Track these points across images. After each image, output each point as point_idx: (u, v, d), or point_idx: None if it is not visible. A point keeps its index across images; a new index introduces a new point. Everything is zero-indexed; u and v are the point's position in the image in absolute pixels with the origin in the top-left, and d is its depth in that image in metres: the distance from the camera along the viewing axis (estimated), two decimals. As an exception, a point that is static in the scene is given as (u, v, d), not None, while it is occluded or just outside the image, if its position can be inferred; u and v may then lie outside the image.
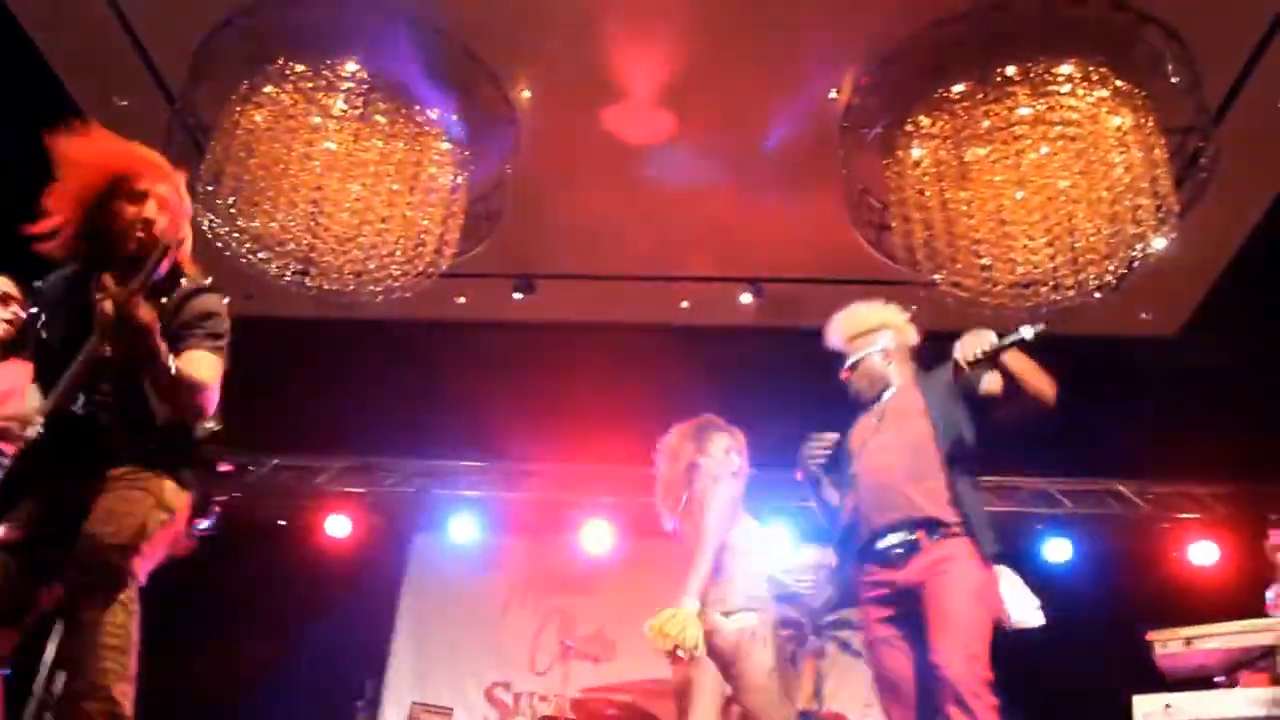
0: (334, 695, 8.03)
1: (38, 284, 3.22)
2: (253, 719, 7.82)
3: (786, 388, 8.13)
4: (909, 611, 3.62)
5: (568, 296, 8.14)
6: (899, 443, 3.83)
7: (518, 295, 8.07)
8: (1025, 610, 3.77)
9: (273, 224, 5.86)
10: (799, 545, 9.11)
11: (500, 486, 9.51)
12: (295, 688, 7.78)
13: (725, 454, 4.68)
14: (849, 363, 4.19)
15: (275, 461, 8.75)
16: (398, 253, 6.00)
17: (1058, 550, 8.68)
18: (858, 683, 8.97)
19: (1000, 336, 3.69)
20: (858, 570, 3.84)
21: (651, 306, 8.16)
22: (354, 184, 5.93)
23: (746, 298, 7.84)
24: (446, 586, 9.77)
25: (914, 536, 3.65)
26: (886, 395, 4.05)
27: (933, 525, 3.63)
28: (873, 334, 4.22)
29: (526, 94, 6.33)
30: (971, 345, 3.75)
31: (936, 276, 5.66)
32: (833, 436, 4.15)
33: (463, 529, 9.52)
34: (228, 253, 5.84)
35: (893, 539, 3.70)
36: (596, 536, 9.31)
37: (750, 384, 8.07)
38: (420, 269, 6.11)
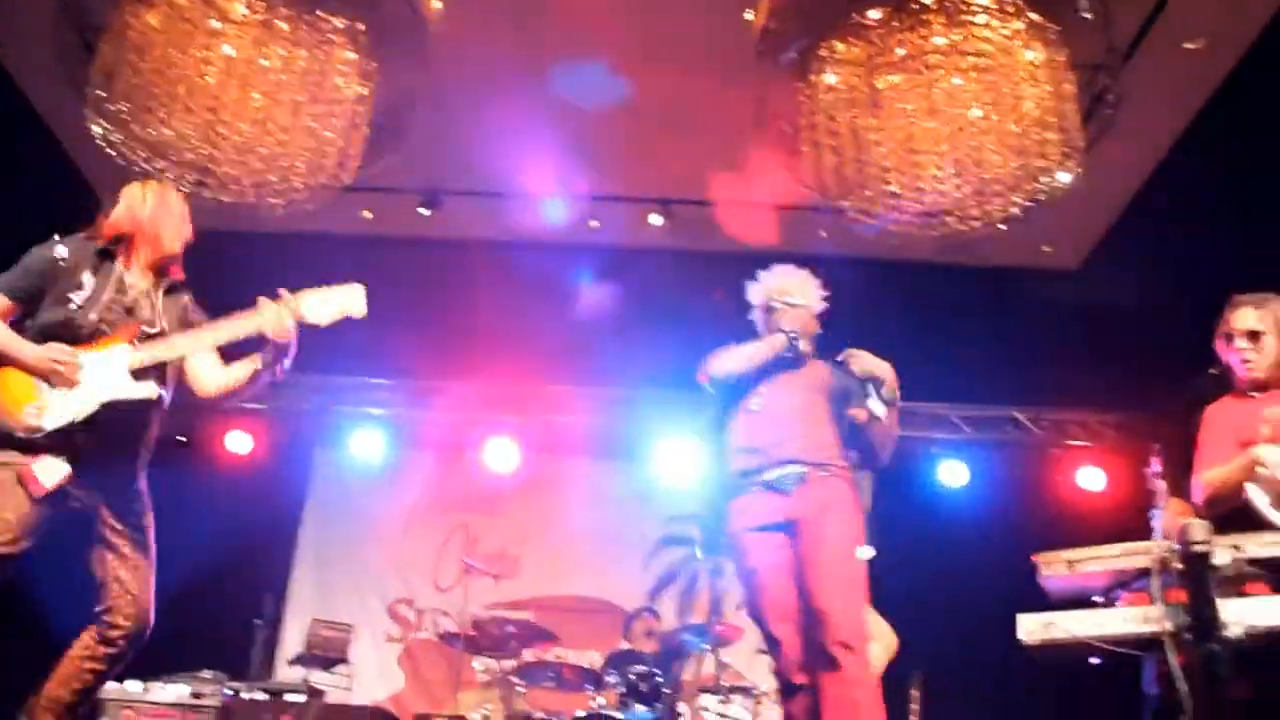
0: (236, 612, 7.97)
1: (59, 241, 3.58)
2: (152, 635, 7.74)
3: (693, 310, 8.15)
4: (790, 541, 3.74)
5: (476, 213, 8.03)
6: (806, 397, 4.13)
7: (424, 211, 7.94)
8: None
9: (168, 131, 5.63)
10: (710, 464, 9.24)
11: (404, 404, 9.44)
12: (195, 605, 7.70)
13: None
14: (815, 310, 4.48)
15: (173, 376, 8.55)
16: (300, 164, 5.82)
17: (954, 473, 8.92)
18: (756, 601, 9.19)
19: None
20: (739, 497, 3.99)
21: (560, 225, 8.09)
22: (254, 92, 5.72)
23: (656, 219, 7.81)
24: (349, 503, 9.72)
25: (803, 470, 3.79)
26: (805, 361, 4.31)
27: (822, 465, 3.86)
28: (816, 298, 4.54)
29: (437, 4, 6.15)
30: (870, 365, 4.29)
31: (845, 203, 5.67)
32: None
33: (366, 445, 9.45)
34: (122, 161, 5.62)
35: (785, 471, 3.82)
36: (501, 454, 9.32)
37: (658, 305, 8.09)
38: (323, 182, 5.95)
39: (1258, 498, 3.33)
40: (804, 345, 4.40)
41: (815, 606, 3.61)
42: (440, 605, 9.35)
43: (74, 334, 3.47)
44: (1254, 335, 3.62)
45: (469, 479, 9.64)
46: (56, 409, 3.38)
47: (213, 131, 5.67)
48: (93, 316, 3.51)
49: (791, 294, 4.57)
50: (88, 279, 3.56)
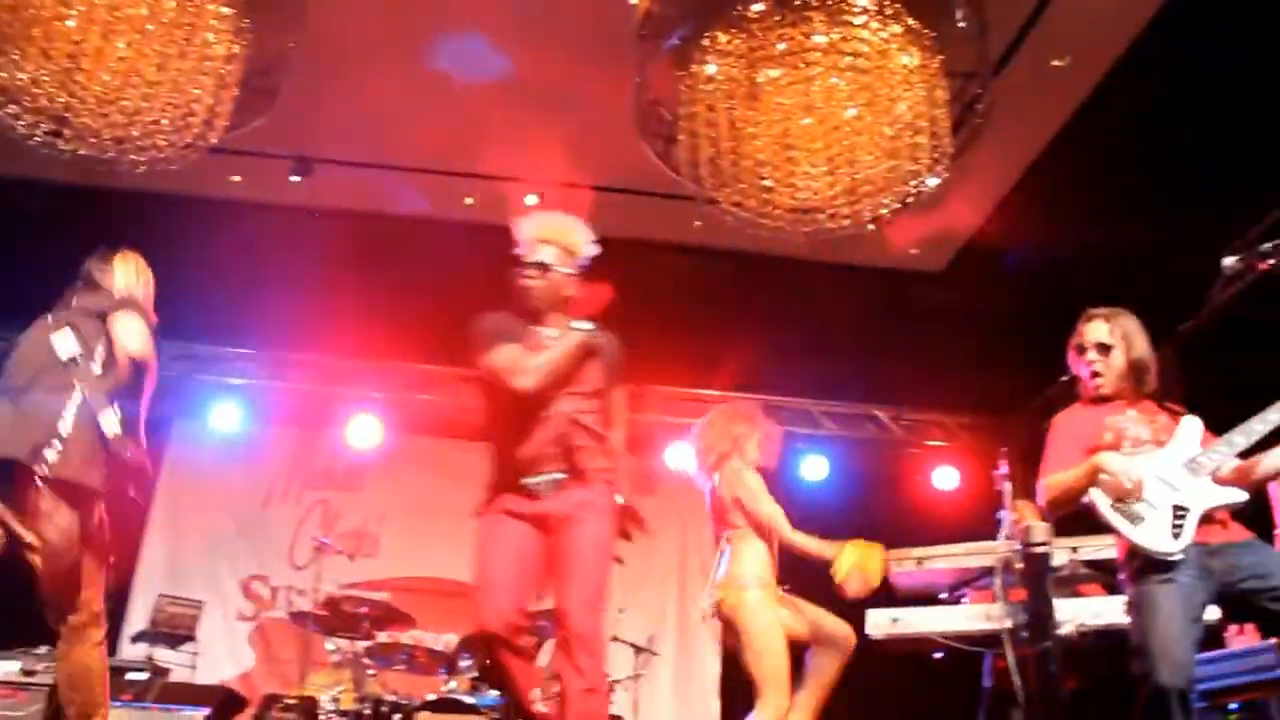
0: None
1: None
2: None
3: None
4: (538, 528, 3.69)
5: (348, 183, 7.84)
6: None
7: (295, 178, 7.73)
8: None
9: (22, 76, 5.35)
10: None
11: (266, 375, 9.21)
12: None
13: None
14: (539, 258, 4.05)
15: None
16: (164, 121, 5.59)
17: (815, 468, 9.08)
18: (615, 588, 9.20)
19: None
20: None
21: (435, 200, 7.97)
22: (118, 41, 5.47)
23: (532, 199, 7.75)
24: (205, 475, 9.46)
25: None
26: (551, 326, 3.97)
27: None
28: (573, 254, 4.12)
29: (314, -36, 5.98)
30: None
31: (718, 195, 5.70)
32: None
33: (225, 417, 9.20)
34: (-31, 101, 5.33)
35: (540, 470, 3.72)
36: (363, 431, 9.16)
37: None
38: (188, 141, 5.73)
39: (1100, 501, 3.45)
40: (537, 293, 4.05)
41: (557, 607, 3.61)
42: (296, 583, 9.16)
43: None
44: (1104, 348, 3.75)
45: (330, 455, 9.47)
46: None
47: (71, 80, 5.41)
48: None
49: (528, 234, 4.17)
50: None
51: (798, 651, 4.88)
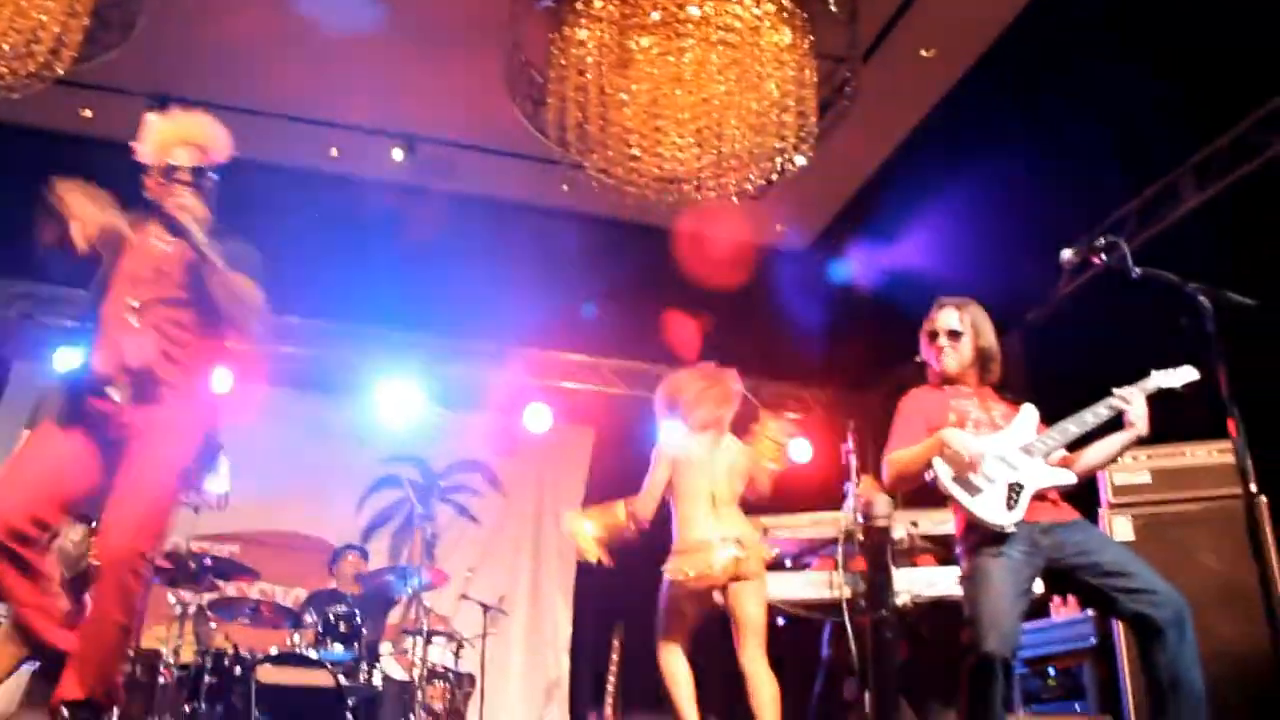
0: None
1: None
2: None
3: (428, 251, 8.03)
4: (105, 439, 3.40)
5: (207, 124, 7.58)
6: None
7: (152, 116, 7.42)
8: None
9: None
10: (432, 406, 9.16)
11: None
12: None
13: None
14: (194, 165, 3.73)
15: None
16: (6, 48, 5.32)
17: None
18: (468, 547, 9.19)
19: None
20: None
21: (298, 148, 7.76)
22: (-45, -37, 5.18)
23: (398, 153, 7.61)
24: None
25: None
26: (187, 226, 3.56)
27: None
28: (209, 154, 3.81)
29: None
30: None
31: (585, 160, 5.70)
32: None
33: (69, 362, 8.81)
34: None
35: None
36: (219, 380, 8.90)
37: (392, 243, 7.91)
38: (33, 70, 5.46)
39: (942, 473, 3.58)
40: (182, 201, 3.67)
41: (103, 520, 3.32)
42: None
43: None
44: (954, 335, 3.89)
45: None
46: None
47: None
48: None
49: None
50: None
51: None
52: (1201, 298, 3.10)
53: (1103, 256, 3.50)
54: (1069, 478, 3.65)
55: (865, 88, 6.37)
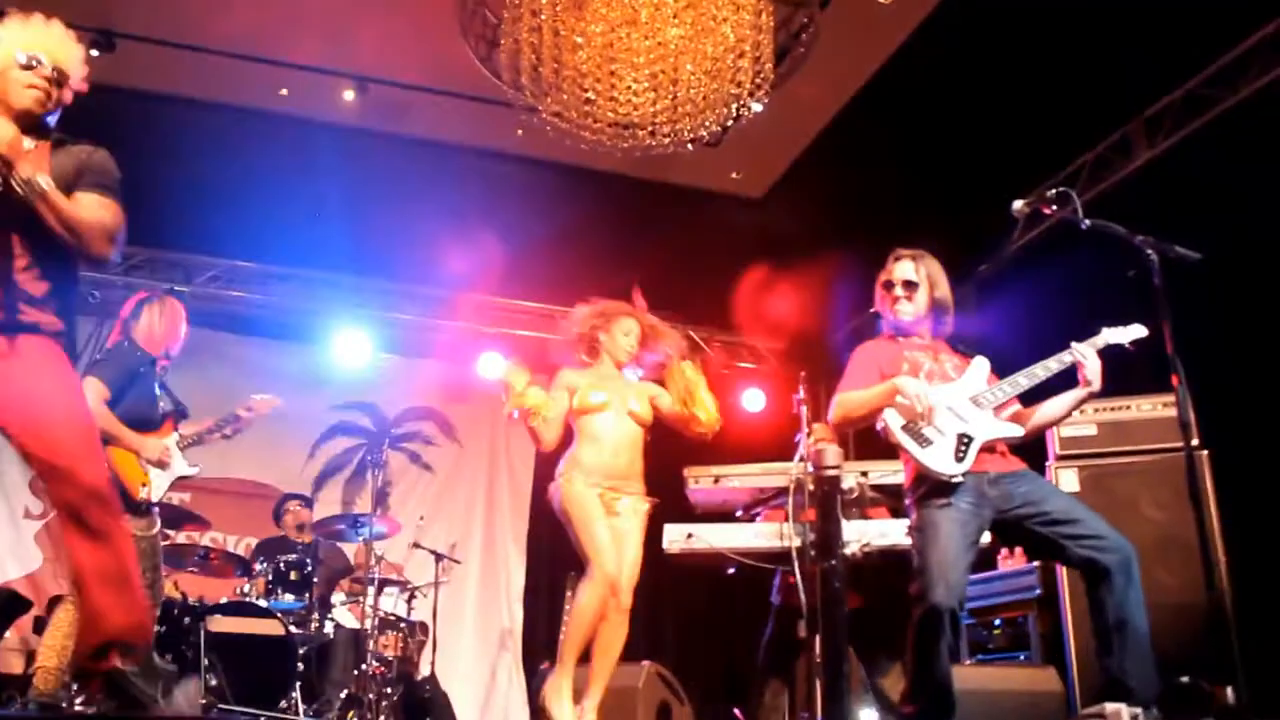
0: None
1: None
2: None
3: (382, 195, 7.91)
4: None
5: (153, 63, 7.36)
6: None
7: (94, 52, 7.22)
8: None
9: None
10: (384, 353, 9.07)
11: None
12: None
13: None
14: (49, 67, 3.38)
15: None
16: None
17: (627, 385, 9.16)
18: (421, 495, 9.16)
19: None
20: None
21: (246, 88, 7.58)
22: None
23: (349, 94, 7.46)
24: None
25: None
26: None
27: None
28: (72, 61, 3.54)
29: None
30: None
31: (539, 104, 5.61)
32: None
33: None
34: None
35: None
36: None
37: (345, 187, 7.78)
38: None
39: (893, 422, 3.60)
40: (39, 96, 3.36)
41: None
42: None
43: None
44: (910, 285, 3.89)
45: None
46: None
47: None
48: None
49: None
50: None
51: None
52: (1149, 251, 3.10)
53: (1053, 207, 3.50)
54: (1017, 431, 3.69)
55: (822, 35, 6.30)
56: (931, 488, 3.58)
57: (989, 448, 3.63)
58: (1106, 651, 3.39)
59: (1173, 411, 4.66)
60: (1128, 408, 5.18)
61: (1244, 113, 5.81)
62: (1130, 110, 6.47)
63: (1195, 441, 3.09)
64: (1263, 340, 5.39)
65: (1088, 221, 3.33)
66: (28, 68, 3.31)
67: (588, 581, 4.57)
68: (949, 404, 3.64)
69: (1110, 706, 3.25)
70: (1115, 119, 6.55)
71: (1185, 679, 3.41)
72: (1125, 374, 3.73)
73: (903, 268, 3.94)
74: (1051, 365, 3.66)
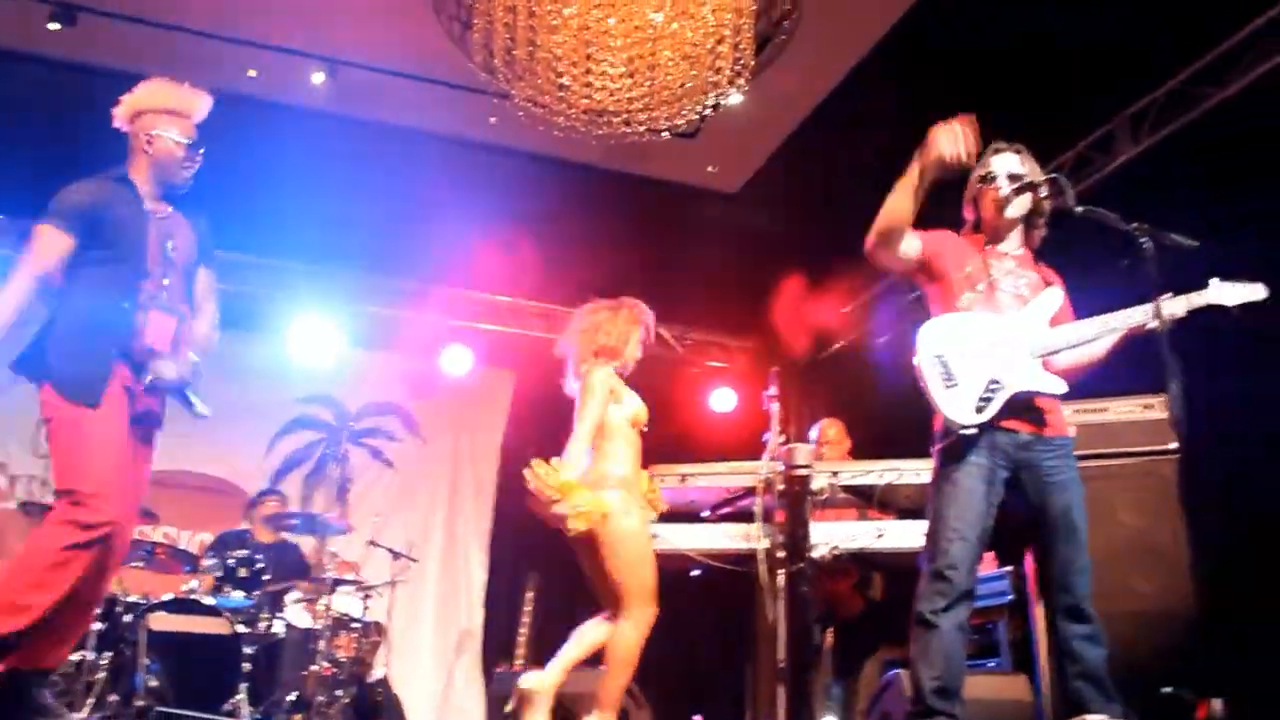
0: None
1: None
2: None
3: (350, 181, 7.71)
4: None
5: (115, 39, 7.13)
6: None
7: (54, 26, 6.99)
8: None
9: None
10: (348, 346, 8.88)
11: (11, 246, 8.43)
12: None
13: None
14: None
15: None
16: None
17: (596, 381, 9.01)
18: (382, 491, 8.96)
19: None
20: None
21: (212, 68, 7.33)
22: None
23: (319, 77, 7.26)
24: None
25: None
26: None
27: None
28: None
29: None
30: None
31: (513, 89, 5.44)
32: None
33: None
34: None
35: None
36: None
37: (313, 173, 7.58)
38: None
39: (926, 349, 3.27)
40: None
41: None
42: (39, 473, 8.49)
43: None
44: (1016, 179, 3.49)
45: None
46: None
47: None
48: None
49: None
50: None
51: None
52: (1144, 239, 2.95)
53: (1043, 192, 3.35)
54: (1058, 386, 3.25)
55: (804, 24, 6.16)
56: (951, 439, 3.20)
57: (1025, 403, 3.22)
58: (1061, 670, 3.19)
59: (1153, 414, 4.59)
60: (1106, 410, 5.05)
61: (1226, 112, 5.73)
62: (1113, 107, 6.38)
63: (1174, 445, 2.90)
64: (1242, 345, 5.29)
65: (1080, 208, 3.15)
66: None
67: (631, 624, 4.10)
68: (995, 337, 3.23)
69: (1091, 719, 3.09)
70: (1098, 117, 6.45)
71: (1168, 690, 3.28)
72: (1111, 372, 3.50)
73: (1006, 160, 3.49)
74: (1135, 317, 3.20)
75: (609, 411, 4.34)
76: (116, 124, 3.91)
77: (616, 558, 4.08)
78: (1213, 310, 3.22)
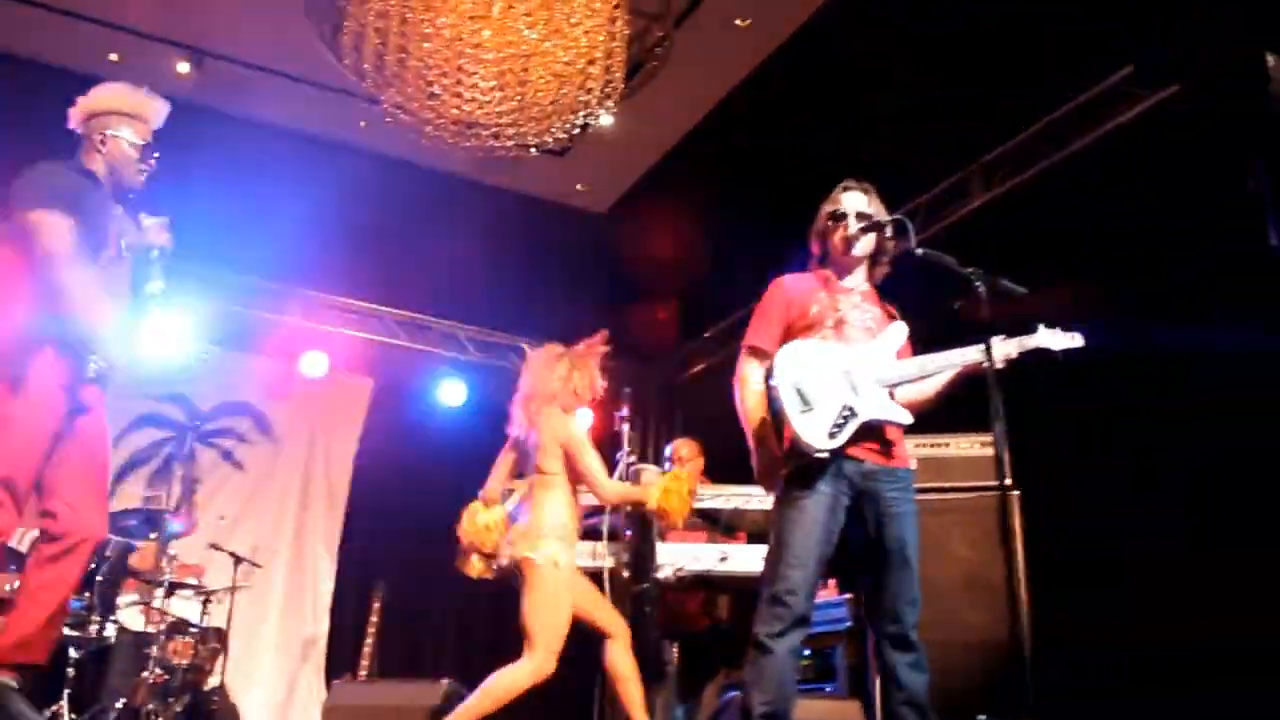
0: None
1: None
2: None
3: (217, 178, 7.51)
4: None
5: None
6: None
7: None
8: None
9: None
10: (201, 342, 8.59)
11: None
12: None
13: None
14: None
15: None
16: None
17: (453, 392, 8.93)
18: (230, 493, 8.70)
19: None
20: None
21: (72, 50, 7.11)
22: None
23: (184, 66, 7.07)
24: None
25: None
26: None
27: None
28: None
29: None
30: None
31: (381, 95, 5.39)
32: None
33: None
34: None
35: None
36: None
37: (177, 166, 7.36)
38: None
39: (783, 376, 3.26)
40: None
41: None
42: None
43: None
44: (863, 218, 3.54)
45: None
46: None
47: None
48: None
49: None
50: None
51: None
52: (977, 283, 3.06)
53: (888, 232, 3.46)
54: (904, 417, 3.32)
55: (677, 51, 6.25)
56: (802, 464, 3.22)
57: (874, 432, 3.27)
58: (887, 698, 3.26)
59: (989, 451, 4.75)
60: (947, 445, 5.22)
61: (1078, 162, 5.97)
62: (969, 155, 6.59)
63: (1008, 481, 3.00)
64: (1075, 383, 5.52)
65: (920, 251, 3.26)
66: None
67: (531, 666, 4.20)
68: (848, 366, 3.29)
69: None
70: (955, 162, 6.66)
71: (983, 718, 3.39)
72: (950, 409, 3.61)
73: (854, 198, 3.53)
74: (971, 355, 3.29)
75: (553, 463, 4.47)
76: (70, 125, 3.87)
77: (535, 604, 4.23)
78: (1040, 353, 3.36)
